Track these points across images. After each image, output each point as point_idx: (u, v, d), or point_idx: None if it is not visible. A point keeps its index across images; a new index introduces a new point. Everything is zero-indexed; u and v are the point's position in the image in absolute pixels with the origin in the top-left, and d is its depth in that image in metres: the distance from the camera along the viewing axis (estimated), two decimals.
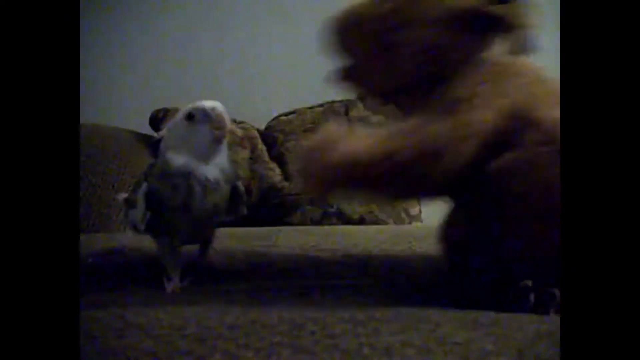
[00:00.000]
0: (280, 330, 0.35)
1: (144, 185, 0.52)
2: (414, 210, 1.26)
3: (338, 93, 1.44)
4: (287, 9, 1.55)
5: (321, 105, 1.35)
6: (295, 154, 1.25)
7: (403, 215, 1.24)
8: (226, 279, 0.57)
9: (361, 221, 1.20)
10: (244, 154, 1.26)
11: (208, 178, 0.51)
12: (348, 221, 1.20)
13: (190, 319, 0.38)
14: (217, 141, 0.51)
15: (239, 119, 1.32)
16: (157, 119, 1.29)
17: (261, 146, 1.28)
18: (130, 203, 0.55)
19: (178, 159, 0.51)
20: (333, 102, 1.35)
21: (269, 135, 1.31)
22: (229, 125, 0.52)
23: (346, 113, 1.32)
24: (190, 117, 0.51)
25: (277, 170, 1.25)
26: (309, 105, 1.35)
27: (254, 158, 1.27)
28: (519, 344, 0.31)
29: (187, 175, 0.51)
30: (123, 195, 0.58)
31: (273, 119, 1.35)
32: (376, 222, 1.21)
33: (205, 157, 0.52)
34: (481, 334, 0.33)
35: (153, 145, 0.55)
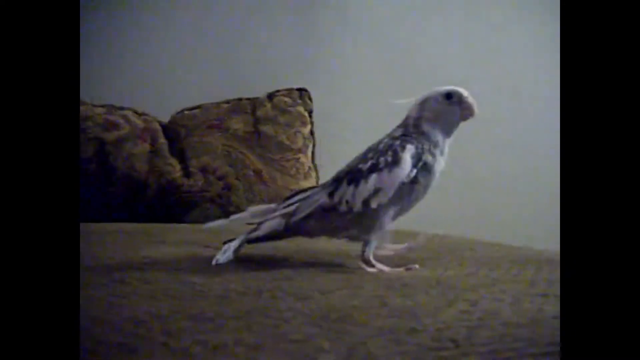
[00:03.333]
0: (123, 327, 0.34)
1: (410, 147, 0.58)
2: None
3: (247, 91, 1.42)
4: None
5: (227, 102, 1.32)
6: (197, 150, 1.22)
7: None
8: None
9: None
10: (144, 147, 1.21)
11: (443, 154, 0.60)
12: None
13: None
14: (463, 120, 0.60)
15: (140, 110, 1.28)
16: None
17: (162, 140, 1.24)
18: (390, 163, 0.57)
19: (436, 133, 0.59)
20: (240, 99, 1.33)
21: (171, 129, 1.27)
22: (476, 110, 0.59)
23: (253, 112, 1.30)
24: (449, 96, 0.59)
25: (177, 166, 1.21)
26: (216, 100, 1.32)
27: (153, 152, 1.22)
28: (351, 341, 0.32)
29: (439, 147, 0.59)
30: (366, 165, 0.58)
31: (177, 113, 1.31)
32: None
33: (449, 134, 0.60)
34: (322, 331, 0.33)
35: (408, 120, 0.61)
